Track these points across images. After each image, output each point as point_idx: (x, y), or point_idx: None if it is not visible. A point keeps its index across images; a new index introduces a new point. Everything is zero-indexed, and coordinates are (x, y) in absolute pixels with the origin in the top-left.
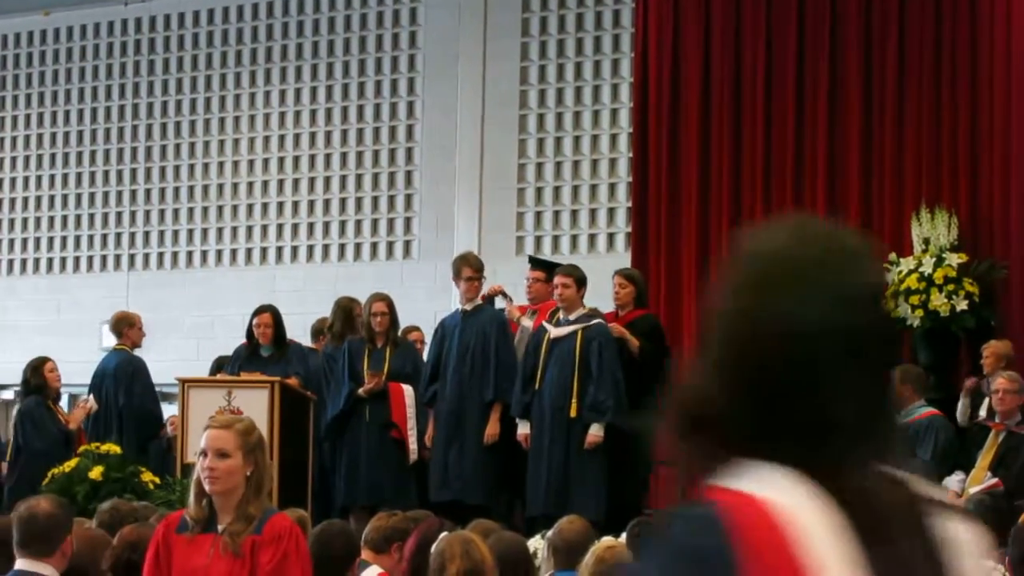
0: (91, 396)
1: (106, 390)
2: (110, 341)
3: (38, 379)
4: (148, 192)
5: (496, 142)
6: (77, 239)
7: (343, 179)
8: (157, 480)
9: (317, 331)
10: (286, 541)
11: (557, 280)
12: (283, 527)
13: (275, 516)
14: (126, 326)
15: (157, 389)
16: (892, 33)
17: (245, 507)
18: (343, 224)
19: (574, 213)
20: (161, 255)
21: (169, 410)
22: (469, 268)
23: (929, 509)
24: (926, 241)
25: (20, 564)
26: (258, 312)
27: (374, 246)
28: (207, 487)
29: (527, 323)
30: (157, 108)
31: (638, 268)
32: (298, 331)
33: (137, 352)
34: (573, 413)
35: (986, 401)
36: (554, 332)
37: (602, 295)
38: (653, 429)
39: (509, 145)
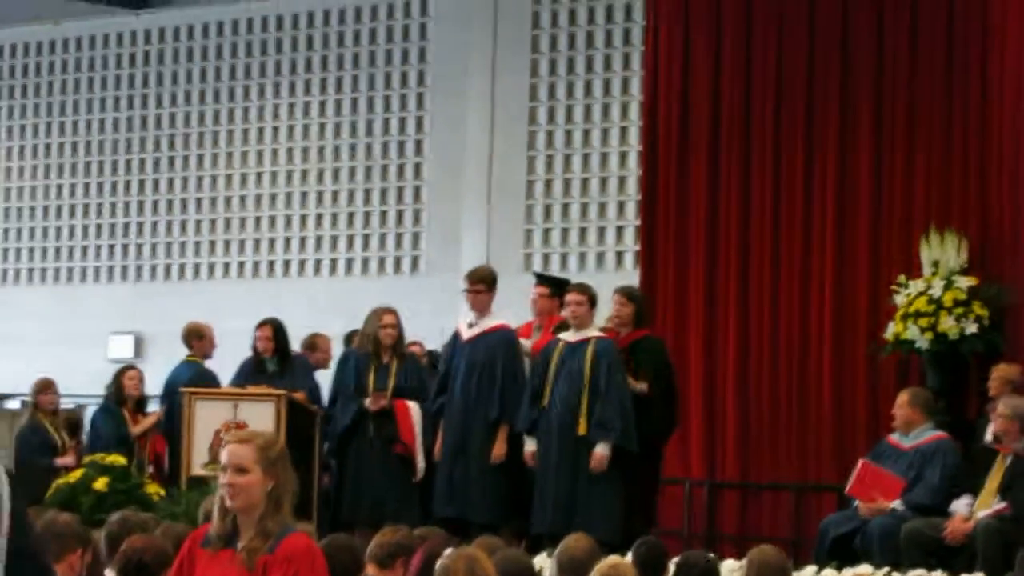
0: (161, 407)
1: (177, 403)
2: (116, 352)
3: (117, 388)
4: (156, 203)
5: (505, 158)
6: (84, 249)
7: (351, 193)
8: (162, 492)
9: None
10: (298, 562)
11: (570, 298)
12: (297, 547)
13: (292, 535)
14: (195, 338)
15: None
16: (903, 55)
17: (265, 523)
18: (350, 238)
19: (582, 231)
20: (168, 267)
21: None
22: (467, 280)
23: None
24: (936, 264)
25: None
26: (259, 325)
27: (381, 261)
28: (227, 503)
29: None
30: (165, 120)
31: (646, 287)
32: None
33: (207, 363)
34: (582, 431)
35: (991, 425)
36: (570, 337)
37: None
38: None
39: (518, 162)
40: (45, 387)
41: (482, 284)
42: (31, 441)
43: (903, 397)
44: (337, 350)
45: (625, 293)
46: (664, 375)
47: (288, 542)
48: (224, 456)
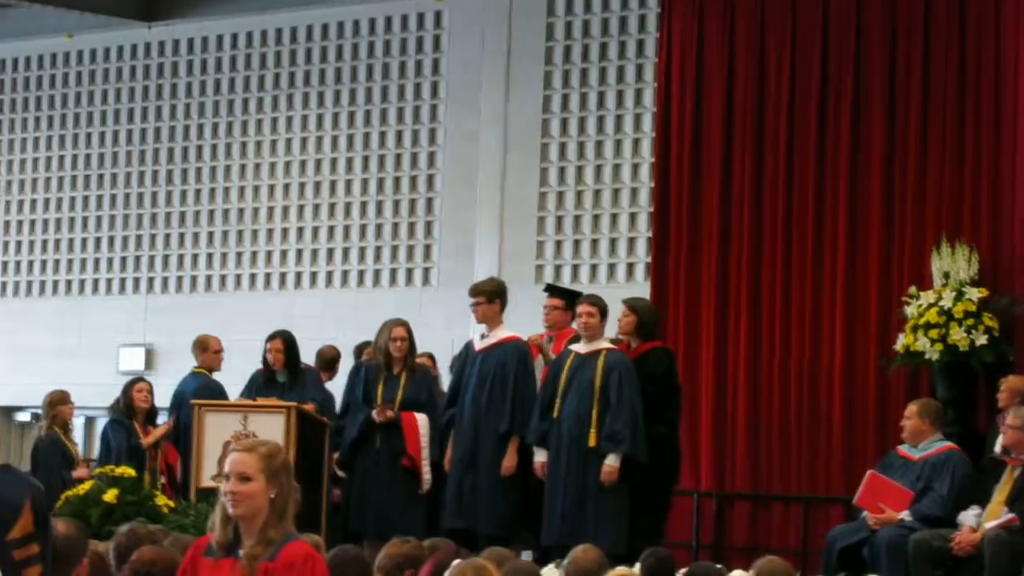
0: (171, 418)
1: (185, 414)
2: (127, 365)
3: (126, 400)
4: (168, 215)
5: (517, 170)
6: (96, 262)
7: (364, 205)
8: (171, 504)
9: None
10: (299, 569)
11: (581, 309)
12: (298, 555)
13: (293, 543)
14: (200, 350)
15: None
16: (916, 69)
17: (267, 531)
18: (363, 250)
19: (594, 242)
20: (180, 279)
21: None
22: (469, 294)
23: None
24: (946, 275)
25: None
26: (270, 337)
27: (393, 273)
28: (229, 510)
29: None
30: (179, 132)
31: (657, 299)
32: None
33: (216, 375)
34: (592, 443)
35: (1000, 436)
36: (581, 349)
37: None
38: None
39: (530, 173)
40: (62, 400)
41: (481, 296)
42: (52, 454)
43: (912, 408)
44: (349, 362)
45: (628, 303)
46: (663, 388)
47: (289, 549)
48: (228, 464)
